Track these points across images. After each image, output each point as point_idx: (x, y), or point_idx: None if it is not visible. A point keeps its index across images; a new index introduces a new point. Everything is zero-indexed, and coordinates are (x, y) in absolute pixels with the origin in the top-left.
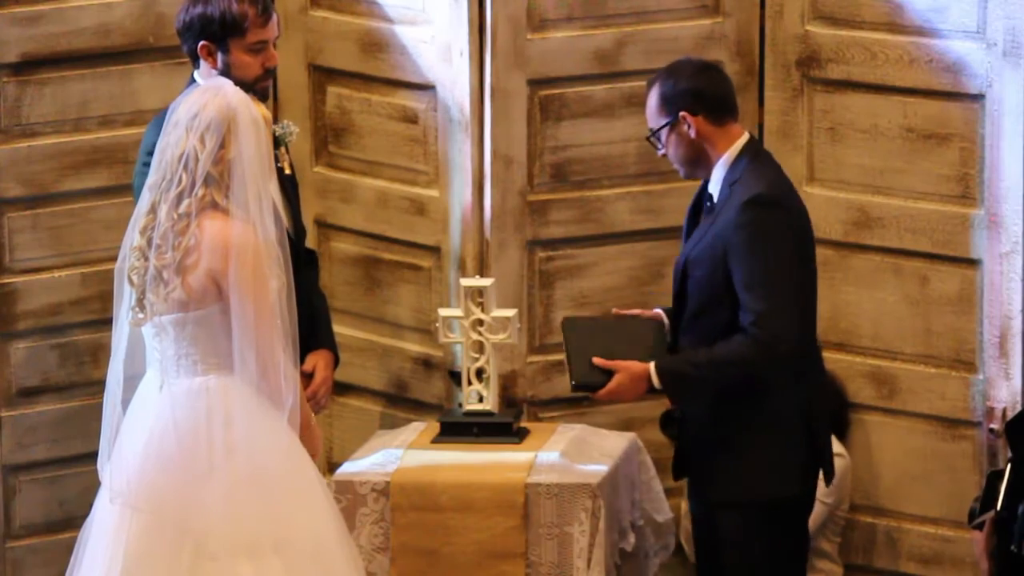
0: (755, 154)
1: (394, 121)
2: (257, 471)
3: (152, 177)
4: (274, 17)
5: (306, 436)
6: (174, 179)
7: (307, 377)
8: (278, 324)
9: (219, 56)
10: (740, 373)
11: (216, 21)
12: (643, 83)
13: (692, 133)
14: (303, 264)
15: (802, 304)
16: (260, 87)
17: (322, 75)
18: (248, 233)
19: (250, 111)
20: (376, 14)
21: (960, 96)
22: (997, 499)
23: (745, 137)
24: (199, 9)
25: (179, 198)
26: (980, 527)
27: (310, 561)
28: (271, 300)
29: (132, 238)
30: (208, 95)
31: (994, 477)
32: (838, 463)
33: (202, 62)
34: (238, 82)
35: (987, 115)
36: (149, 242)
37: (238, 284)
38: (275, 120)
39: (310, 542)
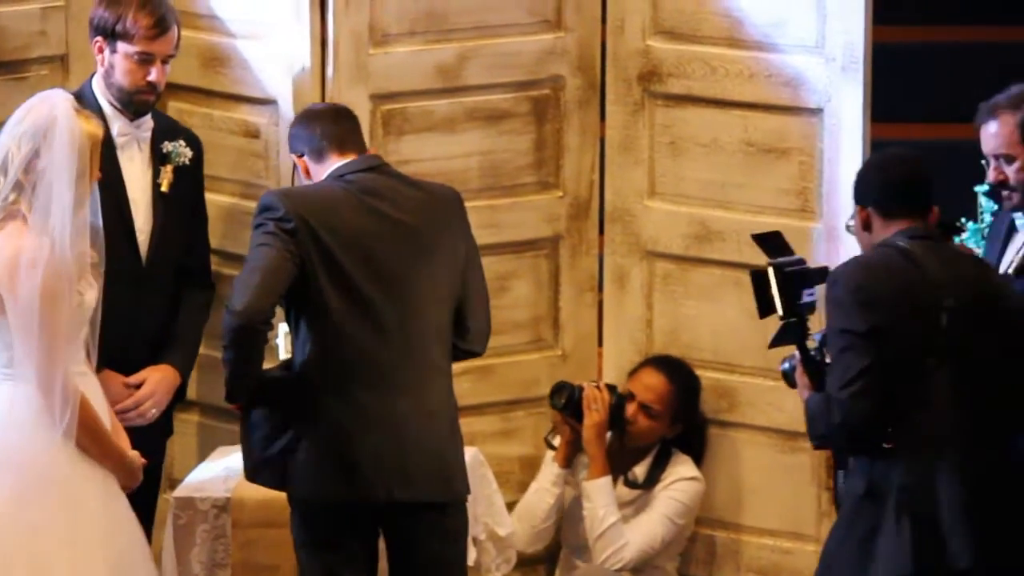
0: None
1: (236, 136)
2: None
3: None
4: (171, 34)
5: (113, 466)
6: None
7: (136, 388)
8: (65, 340)
9: (107, 55)
10: None
11: (111, 21)
12: (486, 97)
13: None
14: (194, 283)
15: None
16: (138, 99)
17: (163, 90)
18: (37, 247)
19: (71, 123)
20: (217, 29)
21: (799, 110)
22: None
23: None
24: (103, 7)
25: None
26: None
27: None
28: (57, 316)
29: None
30: (36, 102)
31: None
32: (694, 487)
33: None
34: (118, 87)
35: (826, 129)
36: None
37: (16, 298)
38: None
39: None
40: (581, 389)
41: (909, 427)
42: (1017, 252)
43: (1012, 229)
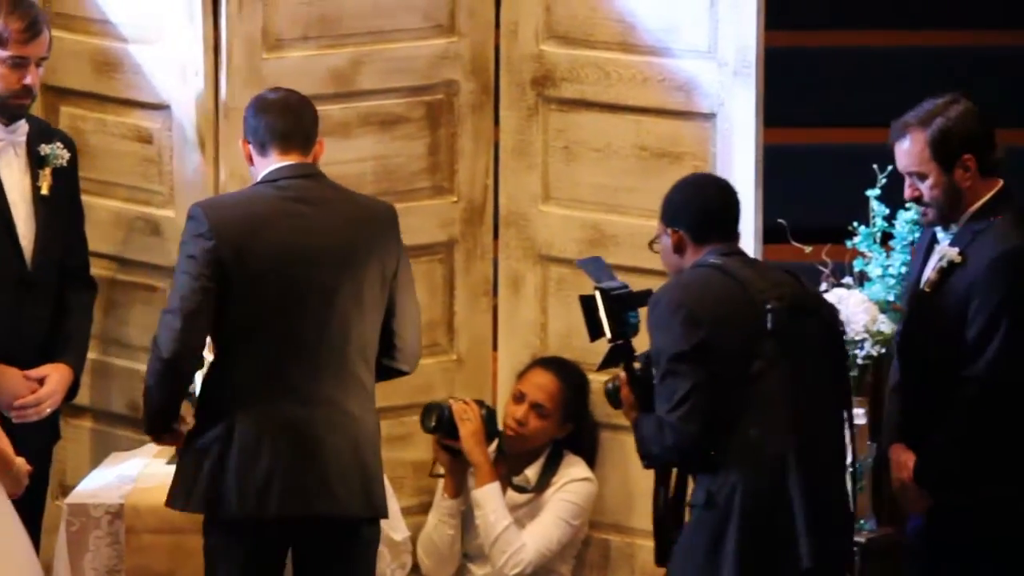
0: None
1: (128, 141)
2: None
3: None
4: (43, 36)
5: None
6: None
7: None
8: None
9: None
10: None
11: None
12: (380, 102)
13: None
14: (77, 284)
15: None
16: (13, 103)
17: (55, 95)
18: None
19: None
20: (110, 33)
21: (692, 115)
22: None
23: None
24: None
25: None
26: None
27: None
28: None
29: None
30: None
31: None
32: (586, 488)
33: None
34: None
35: (719, 134)
36: None
37: None
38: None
39: None
40: (449, 407)
41: (743, 434)
42: (933, 268)
43: (935, 242)
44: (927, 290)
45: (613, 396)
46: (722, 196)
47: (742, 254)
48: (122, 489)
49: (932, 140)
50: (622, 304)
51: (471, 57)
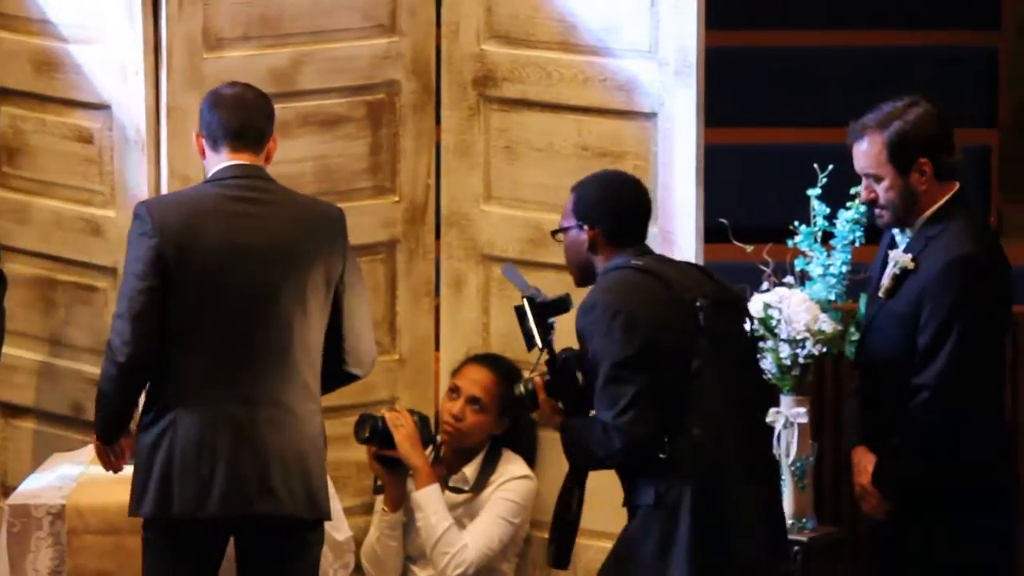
0: None
1: (69, 141)
2: None
3: None
4: None
5: None
6: None
7: None
8: None
9: None
10: None
11: None
12: (321, 102)
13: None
14: None
15: None
16: None
17: None
18: None
19: None
20: (50, 33)
21: (633, 115)
22: None
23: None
24: None
25: None
26: None
27: None
28: None
29: None
30: None
31: None
32: (526, 485)
33: None
34: None
35: (660, 133)
36: None
37: None
38: None
39: None
40: (383, 417)
41: (688, 433)
42: (887, 274)
43: (894, 246)
44: (883, 296)
45: (529, 399)
46: (640, 198)
47: (653, 253)
48: (64, 490)
49: (889, 143)
50: (546, 311)
51: (412, 57)
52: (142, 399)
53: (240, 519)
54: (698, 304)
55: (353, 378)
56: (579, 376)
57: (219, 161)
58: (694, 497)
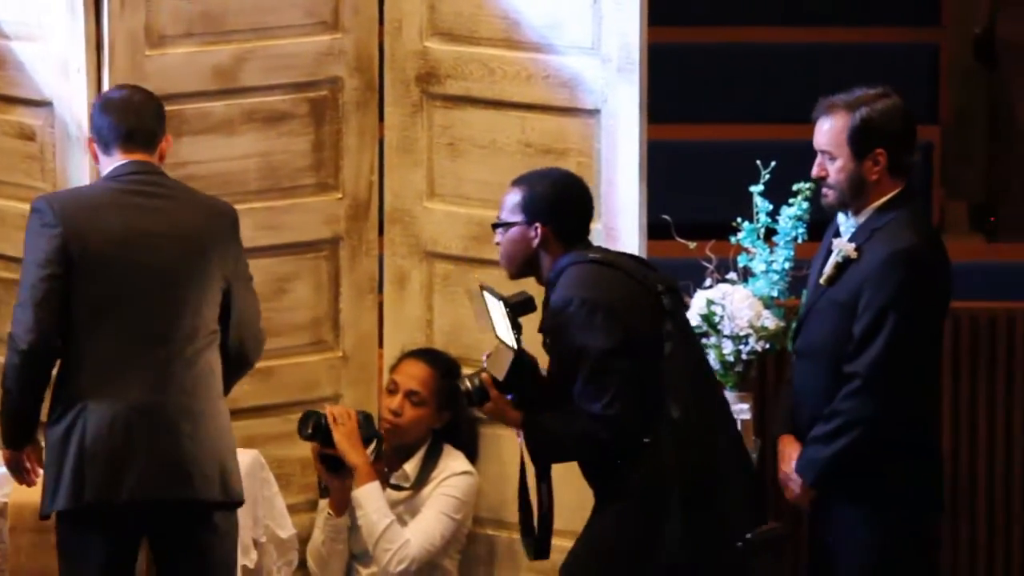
0: None
1: (10, 138)
2: None
3: None
4: None
5: None
6: None
7: None
8: None
9: None
10: None
11: None
12: (263, 99)
13: None
14: None
15: None
16: None
17: None
18: None
19: None
20: None
21: (577, 111)
22: None
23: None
24: None
25: None
26: None
27: None
28: None
29: None
30: None
31: None
32: (467, 481)
33: None
34: None
35: (603, 130)
36: None
37: None
38: None
39: None
40: (325, 415)
41: (667, 416)
42: (830, 263)
43: (839, 234)
44: (823, 283)
45: (475, 395)
46: (587, 196)
47: (599, 247)
48: (4, 488)
49: (852, 126)
50: (518, 311)
51: (355, 54)
52: (48, 397)
53: (155, 504)
54: (660, 289)
55: (245, 365)
56: (540, 374)
57: (112, 163)
58: (682, 478)
